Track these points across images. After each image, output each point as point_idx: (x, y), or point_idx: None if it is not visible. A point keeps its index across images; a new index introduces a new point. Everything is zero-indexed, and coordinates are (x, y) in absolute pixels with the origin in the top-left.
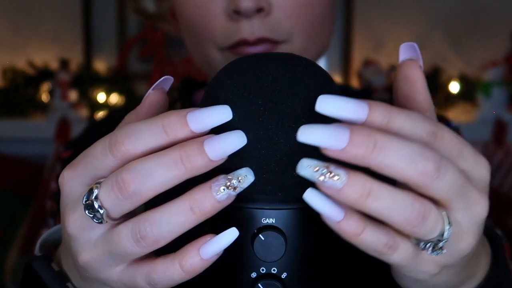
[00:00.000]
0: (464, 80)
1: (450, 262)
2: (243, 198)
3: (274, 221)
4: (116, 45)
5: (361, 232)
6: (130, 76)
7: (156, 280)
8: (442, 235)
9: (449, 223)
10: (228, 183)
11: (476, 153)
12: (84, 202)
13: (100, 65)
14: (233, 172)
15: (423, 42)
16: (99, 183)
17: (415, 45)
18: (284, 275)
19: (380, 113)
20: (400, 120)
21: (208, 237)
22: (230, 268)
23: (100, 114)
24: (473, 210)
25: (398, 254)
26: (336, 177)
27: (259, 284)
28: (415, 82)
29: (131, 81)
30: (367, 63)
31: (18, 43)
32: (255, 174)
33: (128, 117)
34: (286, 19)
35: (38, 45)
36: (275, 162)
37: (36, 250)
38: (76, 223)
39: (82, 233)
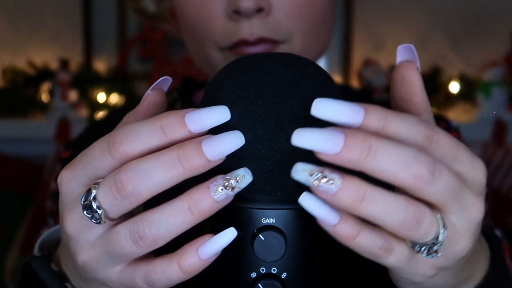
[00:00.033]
0: (464, 80)
1: (446, 265)
2: (243, 198)
3: (274, 221)
4: (116, 45)
5: (357, 235)
6: (130, 76)
7: (154, 280)
8: (437, 238)
9: (443, 226)
10: (226, 183)
11: (472, 156)
12: (82, 203)
13: (100, 65)
14: (231, 172)
15: (423, 42)
16: (97, 183)
17: (412, 46)
18: (284, 275)
19: (376, 117)
20: (396, 124)
21: (206, 237)
22: (230, 268)
23: (100, 114)
24: (468, 213)
25: (394, 256)
26: (330, 182)
27: (259, 284)
28: (412, 84)
29: (131, 81)
30: (367, 63)
31: (18, 43)
32: (255, 174)
33: (126, 117)
34: (286, 19)
35: (38, 45)
36: (275, 162)
37: (35, 250)
38: (74, 223)
39: (80, 233)
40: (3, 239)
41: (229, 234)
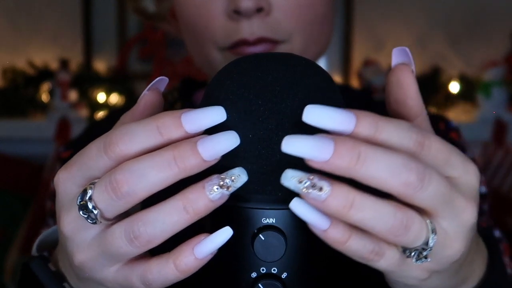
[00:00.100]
0: (464, 80)
1: (438, 268)
2: (243, 198)
3: (274, 221)
4: (116, 45)
5: (347, 240)
6: (130, 76)
7: (151, 280)
8: (427, 243)
9: (432, 232)
10: (221, 183)
11: (465, 160)
12: (78, 203)
13: (100, 65)
14: (226, 172)
15: (423, 42)
16: (93, 183)
17: (407, 49)
18: (284, 275)
19: (367, 123)
20: (387, 130)
21: (202, 236)
22: (230, 268)
23: (100, 114)
24: (460, 218)
25: (385, 260)
26: (319, 189)
27: (259, 284)
28: (407, 87)
29: (131, 81)
30: (367, 63)
31: (18, 43)
32: (255, 174)
33: (123, 118)
34: (286, 19)
35: (38, 45)
36: (275, 162)
37: (34, 251)
38: (70, 223)
39: (77, 233)
40: (3, 239)
41: (224, 233)
